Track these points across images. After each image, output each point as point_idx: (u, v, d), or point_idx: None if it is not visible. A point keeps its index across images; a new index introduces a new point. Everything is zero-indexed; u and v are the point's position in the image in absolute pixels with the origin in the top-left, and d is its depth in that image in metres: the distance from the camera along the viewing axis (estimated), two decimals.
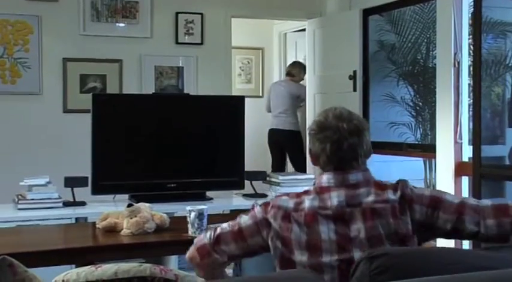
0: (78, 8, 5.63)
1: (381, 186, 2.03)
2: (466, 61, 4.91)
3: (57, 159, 5.41)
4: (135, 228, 2.85)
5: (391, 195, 1.98)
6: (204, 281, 1.65)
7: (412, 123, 5.90)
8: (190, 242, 2.83)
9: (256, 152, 7.18)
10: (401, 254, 1.73)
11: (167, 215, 4.00)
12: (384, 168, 6.11)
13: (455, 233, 2.00)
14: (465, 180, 4.93)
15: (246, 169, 4.46)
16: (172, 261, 3.95)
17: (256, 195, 4.43)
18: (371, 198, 1.97)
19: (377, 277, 1.65)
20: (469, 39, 4.91)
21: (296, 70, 7.16)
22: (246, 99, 7.56)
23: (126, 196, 4.15)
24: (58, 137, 5.59)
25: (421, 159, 5.80)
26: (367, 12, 5.97)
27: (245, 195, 4.49)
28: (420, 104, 5.88)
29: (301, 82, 7.11)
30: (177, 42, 6.00)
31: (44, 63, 5.57)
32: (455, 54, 4.88)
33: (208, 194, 4.33)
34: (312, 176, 4.66)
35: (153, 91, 5.80)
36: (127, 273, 1.52)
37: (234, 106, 4.40)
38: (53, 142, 5.57)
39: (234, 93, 7.56)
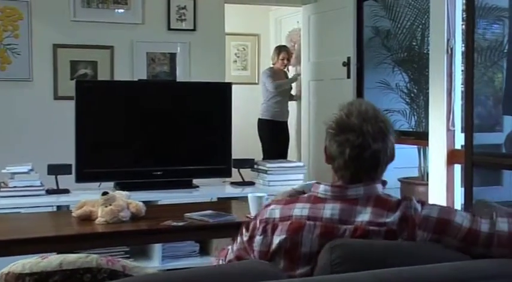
0: None
1: (382, 204, 1.77)
2: (459, 47, 4.83)
3: (49, 146, 5.37)
4: (110, 216, 2.80)
5: (389, 217, 1.73)
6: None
7: (407, 111, 5.82)
8: (165, 230, 2.82)
9: (250, 140, 7.14)
10: (362, 245, 1.68)
11: (150, 203, 3.99)
12: None
13: None
14: (457, 168, 4.87)
15: (242, 158, 4.45)
16: (156, 249, 3.92)
17: (244, 183, 4.39)
18: (366, 217, 1.74)
19: (337, 267, 1.62)
20: (462, 25, 4.83)
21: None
22: (242, 86, 7.59)
23: (113, 184, 4.12)
24: (49, 124, 5.55)
25: (416, 146, 5.74)
26: None
27: (233, 183, 4.45)
28: (415, 90, 5.80)
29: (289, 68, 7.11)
30: (169, 29, 5.93)
31: (34, 50, 5.51)
32: (448, 40, 4.80)
33: (197, 181, 4.29)
34: (302, 164, 4.61)
35: (146, 78, 5.76)
36: (72, 265, 1.47)
37: (221, 92, 4.34)
38: (43, 129, 5.52)
39: (229, 80, 7.46)
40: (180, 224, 2.80)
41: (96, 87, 4.30)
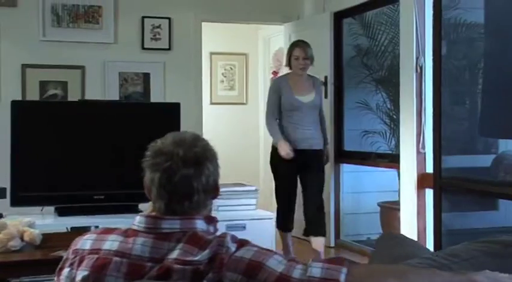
0: (38, 13, 5.50)
1: (195, 240, 1.61)
2: (430, 67, 4.59)
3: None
4: None
5: (198, 255, 1.57)
6: None
7: (387, 132, 5.58)
8: (53, 261, 2.62)
9: (240, 161, 6.95)
10: None
11: (89, 228, 3.81)
12: (358, 178, 5.81)
13: None
14: (430, 193, 4.61)
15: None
16: None
17: None
18: (175, 255, 1.58)
19: None
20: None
21: None
22: (231, 107, 7.42)
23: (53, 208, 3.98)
24: None
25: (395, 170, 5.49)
26: (339, 15, 5.69)
27: None
28: (394, 111, 5.56)
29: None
30: (143, 48, 5.82)
31: (1, 70, 5.45)
32: (417, 58, 4.58)
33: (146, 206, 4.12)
34: (253, 188, 4.40)
35: (118, 98, 5.65)
36: None
37: (168, 113, 4.16)
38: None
39: (215, 100, 7.37)
40: None
41: (34, 108, 4.16)
